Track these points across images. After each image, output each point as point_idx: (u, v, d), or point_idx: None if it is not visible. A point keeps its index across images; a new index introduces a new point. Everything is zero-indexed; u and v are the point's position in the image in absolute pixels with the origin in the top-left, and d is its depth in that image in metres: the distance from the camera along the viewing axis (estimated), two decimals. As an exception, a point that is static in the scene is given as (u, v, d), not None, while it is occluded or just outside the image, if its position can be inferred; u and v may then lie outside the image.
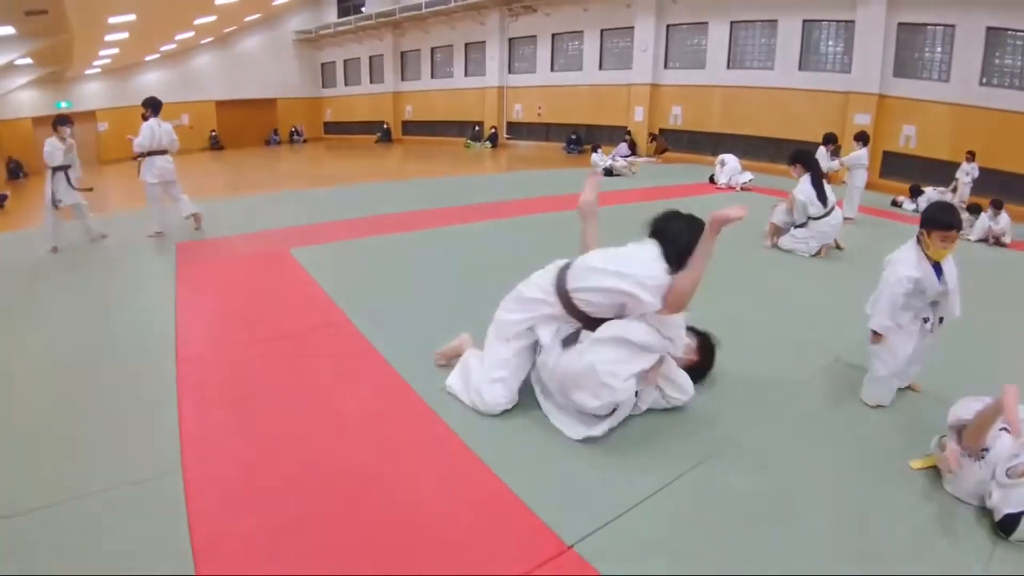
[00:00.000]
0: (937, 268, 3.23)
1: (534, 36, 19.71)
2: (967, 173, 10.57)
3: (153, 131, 8.18)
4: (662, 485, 2.70)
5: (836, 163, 8.71)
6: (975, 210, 8.60)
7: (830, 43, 13.31)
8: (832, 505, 2.60)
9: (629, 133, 17.36)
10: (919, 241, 3.25)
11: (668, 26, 16.19)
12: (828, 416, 3.36)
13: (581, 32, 18.36)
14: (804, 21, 13.34)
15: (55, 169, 7.77)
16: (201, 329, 4.67)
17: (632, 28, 16.72)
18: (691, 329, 3.50)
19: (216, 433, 3.14)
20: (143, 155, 8.13)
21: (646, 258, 3.01)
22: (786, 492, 2.67)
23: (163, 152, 8.29)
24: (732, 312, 4.65)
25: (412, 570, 2.24)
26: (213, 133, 26.01)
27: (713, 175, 11.99)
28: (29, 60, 16.12)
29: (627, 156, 16.66)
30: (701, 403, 3.37)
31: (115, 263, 6.95)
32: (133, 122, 23.19)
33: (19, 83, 18.88)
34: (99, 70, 22.62)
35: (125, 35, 15.70)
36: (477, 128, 21.78)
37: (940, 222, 3.15)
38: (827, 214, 6.63)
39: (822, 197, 6.60)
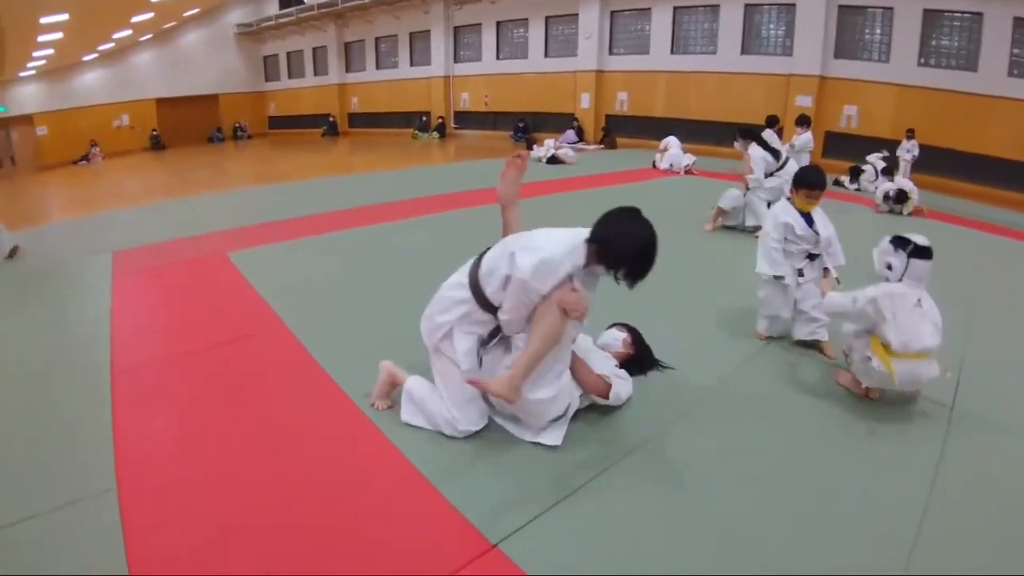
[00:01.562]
0: (808, 219, 3.96)
1: (479, 24, 19.58)
2: (908, 151, 10.90)
3: None
4: (589, 479, 2.70)
5: (790, 144, 8.86)
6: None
7: (771, 27, 13.51)
8: (761, 491, 2.64)
9: (576, 120, 17.39)
10: (790, 199, 4.04)
11: (612, 12, 16.23)
12: (767, 403, 3.42)
13: (526, 20, 18.30)
14: (746, 5, 13.52)
15: None
16: (137, 340, 4.54)
17: (576, 15, 16.70)
18: (623, 325, 3.57)
19: (152, 446, 3.07)
20: None
21: (559, 237, 2.76)
22: (714, 484, 2.69)
23: None
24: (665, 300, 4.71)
25: (335, 570, 2.24)
26: (154, 133, 25.24)
27: (654, 161, 12.13)
28: (-44, 63, 15.38)
29: (574, 143, 16.73)
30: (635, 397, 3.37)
31: (49, 275, 6.76)
32: (74, 125, 22.48)
33: None
34: (34, 72, 21.61)
35: (59, 35, 15.04)
36: (424, 119, 21.57)
37: (806, 182, 3.93)
38: (782, 167, 6.98)
39: (774, 154, 6.99)
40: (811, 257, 4.01)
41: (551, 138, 16.36)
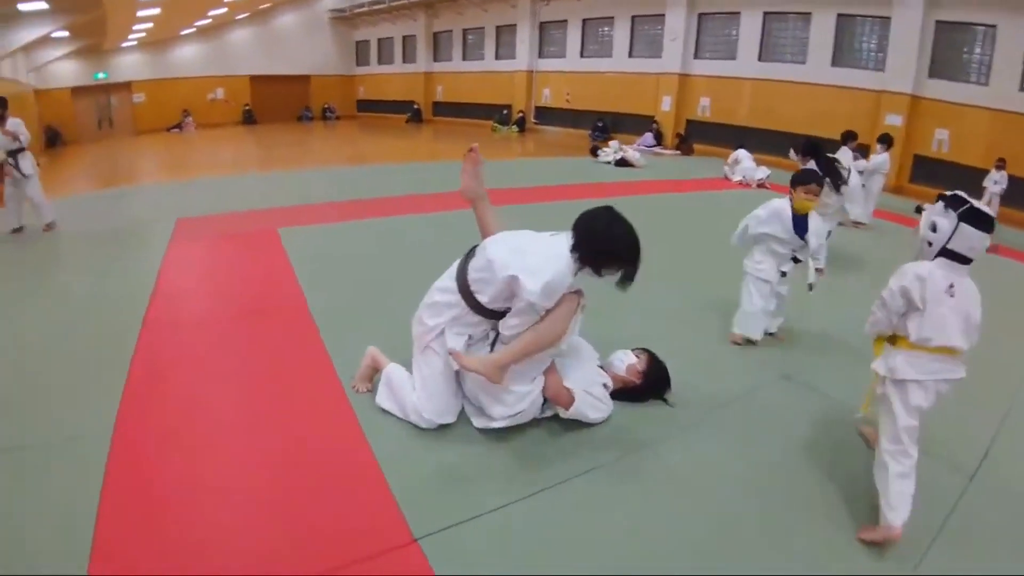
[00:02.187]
0: (801, 222, 4.01)
1: (565, 21, 19.42)
2: (995, 182, 10.09)
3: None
4: (537, 490, 2.62)
5: (862, 164, 8.35)
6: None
7: (864, 39, 12.81)
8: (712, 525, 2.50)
9: (656, 123, 17.04)
10: (790, 198, 4.05)
11: (700, 14, 15.76)
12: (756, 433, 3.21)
13: (612, 18, 18.02)
14: (839, 15, 12.85)
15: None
16: (171, 302, 4.86)
17: (663, 15, 16.33)
18: (646, 351, 3.42)
19: (154, 401, 3.31)
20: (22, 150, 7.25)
21: (552, 252, 2.74)
22: (665, 518, 2.54)
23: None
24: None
25: (252, 543, 2.31)
26: (247, 108, 26.28)
27: (725, 172, 11.74)
28: (66, 33, 16.43)
29: (652, 146, 16.42)
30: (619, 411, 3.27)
31: (118, 233, 7.17)
32: (169, 94, 23.76)
33: (58, 54, 19.29)
34: (136, 43, 22.92)
35: (157, 11, 15.86)
36: (505, 112, 21.61)
37: (802, 179, 4.02)
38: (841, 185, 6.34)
39: (833, 176, 6.36)
40: (795, 260, 4.15)
41: (629, 140, 16.16)
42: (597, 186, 10.76)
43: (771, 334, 4.31)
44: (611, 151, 13.52)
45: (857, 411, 2.90)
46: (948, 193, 2.60)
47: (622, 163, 13.00)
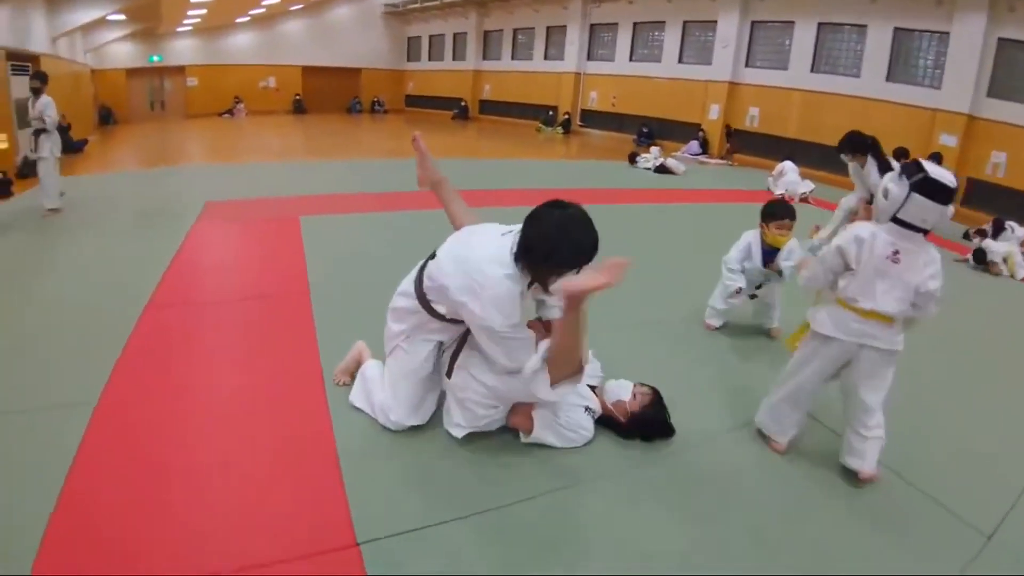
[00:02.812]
0: (770, 254, 4.10)
1: (615, 24, 19.17)
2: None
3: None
4: (495, 506, 2.48)
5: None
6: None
7: (921, 55, 12.28)
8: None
9: (702, 130, 16.69)
10: (761, 231, 4.12)
11: (753, 22, 15.36)
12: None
13: (663, 23, 17.70)
14: (896, 29, 12.34)
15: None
16: (182, 281, 4.98)
17: (715, 22, 15.97)
18: (651, 392, 3.06)
19: (142, 376, 3.38)
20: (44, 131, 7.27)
21: (490, 256, 2.50)
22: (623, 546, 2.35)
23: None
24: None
25: (194, 531, 2.26)
26: (298, 97, 26.68)
27: (768, 184, 11.38)
28: (122, 16, 16.87)
29: (697, 155, 16.09)
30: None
31: (146, 212, 7.27)
32: (222, 80, 24.51)
33: (114, 36, 19.87)
34: (190, 28, 23.48)
35: (211, -3, 16.17)
36: (551, 113, 21.47)
37: (772, 213, 4.07)
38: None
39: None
40: (753, 296, 4.38)
41: (675, 148, 15.87)
42: (634, 192, 10.57)
43: (768, 329, 4.45)
44: (651, 157, 13.29)
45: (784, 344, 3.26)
46: (910, 161, 2.64)
47: (662, 170, 12.74)
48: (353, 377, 3.23)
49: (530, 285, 2.55)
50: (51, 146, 7.22)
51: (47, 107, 7.16)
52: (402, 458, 2.75)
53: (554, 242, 2.36)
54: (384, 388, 2.92)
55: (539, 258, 2.40)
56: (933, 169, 2.49)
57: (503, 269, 2.46)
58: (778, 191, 11.11)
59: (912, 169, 2.50)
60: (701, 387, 3.60)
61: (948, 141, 11.46)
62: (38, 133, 7.22)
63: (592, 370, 3.16)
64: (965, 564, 2.37)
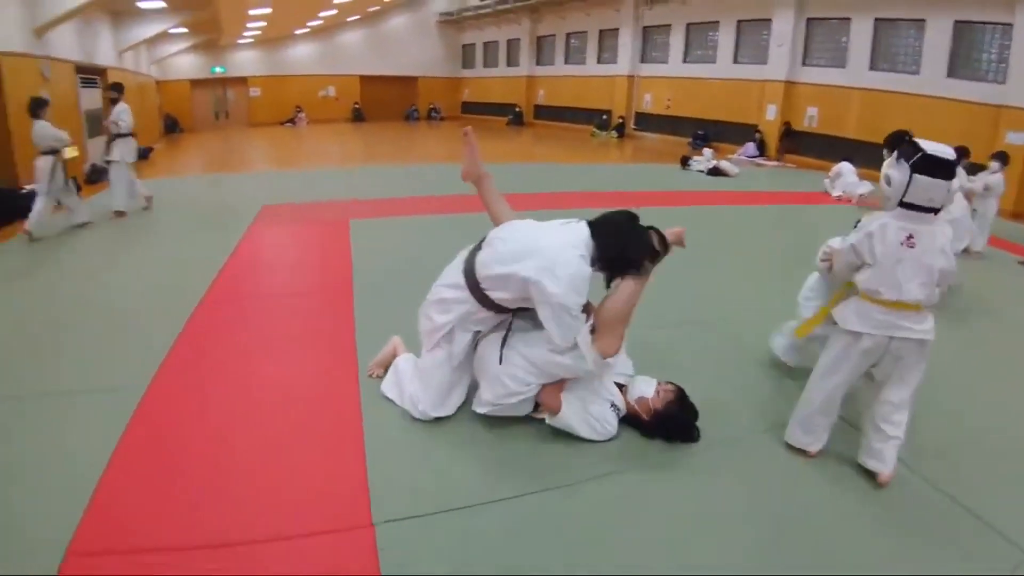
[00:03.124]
0: None
1: (668, 25, 19.01)
2: None
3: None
4: (512, 496, 2.57)
5: (979, 184, 7.58)
6: None
7: (983, 48, 11.77)
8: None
9: (759, 132, 16.39)
10: None
11: (808, 20, 15.01)
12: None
13: (717, 23, 17.47)
14: (956, 22, 11.87)
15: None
16: (236, 278, 5.35)
17: (770, 20, 15.67)
18: (675, 389, 3.04)
19: (192, 363, 3.69)
20: (120, 135, 7.74)
21: (564, 241, 2.68)
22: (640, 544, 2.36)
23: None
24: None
25: (226, 502, 2.47)
26: (356, 106, 27.44)
27: (825, 186, 11.11)
28: (185, 29, 17.71)
29: (754, 156, 15.83)
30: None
31: (207, 215, 7.71)
32: (283, 90, 25.50)
33: (177, 49, 20.91)
34: (251, 40, 24.50)
35: (268, 10, 16.79)
36: (604, 117, 21.42)
37: None
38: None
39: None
40: None
41: (731, 150, 15.64)
42: (689, 195, 10.49)
43: None
44: (703, 160, 13.15)
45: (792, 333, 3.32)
46: (905, 140, 2.55)
47: (715, 172, 12.60)
48: (386, 370, 3.38)
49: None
50: (122, 151, 7.69)
51: (122, 113, 7.70)
52: (424, 447, 2.89)
53: (626, 239, 2.71)
54: (415, 380, 3.06)
55: (616, 263, 2.72)
56: (929, 146, 2.45)
57: (578, 251, 2.65)
58: (835, 193, 10.85)
59: (909, 151, 2.45)
60: (732, 389, 3.58)
61: (1015, 139, 10.95)
62: (113, 138, 7.72)
63: (622, 367, 3.21)
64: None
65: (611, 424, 2.96)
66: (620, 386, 3.11)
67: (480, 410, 2.98)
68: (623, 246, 2.70)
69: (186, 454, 2.79)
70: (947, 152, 2.45)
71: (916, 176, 2.42)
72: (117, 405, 3.11)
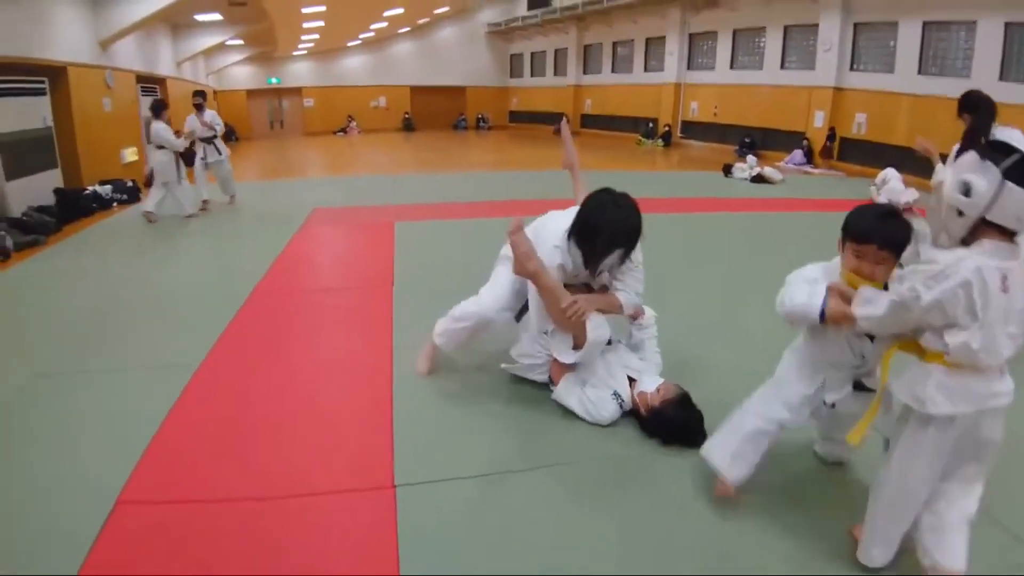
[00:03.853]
0: None
1: (715, 32, 18.95)
2: None
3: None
4: (531, 467, 2.75)
5: None
6: None
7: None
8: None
9: (807, 139, 16.20)
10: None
11: (855, 24, 14.81)
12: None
13: (763, 28, 17.35)
14: (1007, 24, 11.58)
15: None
16: (284, 274, 5.74)
17: (816, 25, 15.51)
18: (678, 391, 2.99)
19: (242, 344, 4.09)
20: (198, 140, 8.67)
21: (555, 229, 3.01)
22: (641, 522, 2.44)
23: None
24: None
25: (264, 461, 2.75)
26: (407, 115, 28.14)
27: (871, 193, 10.96)
28: (240, 41, 18.49)
29: (802, 164, 15.66)
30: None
31: (262, 216, 8.20)
32: (336, 100, 26.31)
33: (234, 60, 21.87)
34: (305, 52, 25.49)
35: (321, 23, 17.42)
36: (651, 125, 21.42)
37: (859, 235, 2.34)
38: None
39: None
40: None
41: (779, 157, 15.50)
42: (729, 201, 10.49)
43: None
44: (746, 167, 13.11)
45: (841, 445, 2.55)
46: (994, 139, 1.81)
47: (758, 179, 12.55)
48: (432, 362, 3.59)
49: (586, 263, 2.94)
50: (221, 148, 8.81)
51: (215, 117, 8.71)
52: (447, 420, 3.13)
53: (596, 221, 2.77)
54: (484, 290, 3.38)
55: (584, 236, 2.84)
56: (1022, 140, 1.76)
57: (553, 241, 2.95)
58: (880, 199, 10.70)
59: (999, 150, 1.74)
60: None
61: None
62: (211, 140, 8.62)
63: (632, 363, 3.25)
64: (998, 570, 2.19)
65: (606, 410, 3.02)
66: (633, 381, 3.17)
67: (503, 365, 3.33)
68: (584, 224, 2.88)
69: (232, 420, 3.12)
70: None
71: (1009, 185, 1.71)
72: (173, 378, 3.48)
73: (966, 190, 1.77)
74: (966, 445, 1.95)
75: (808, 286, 2.18)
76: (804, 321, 2.21)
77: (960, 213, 1.80)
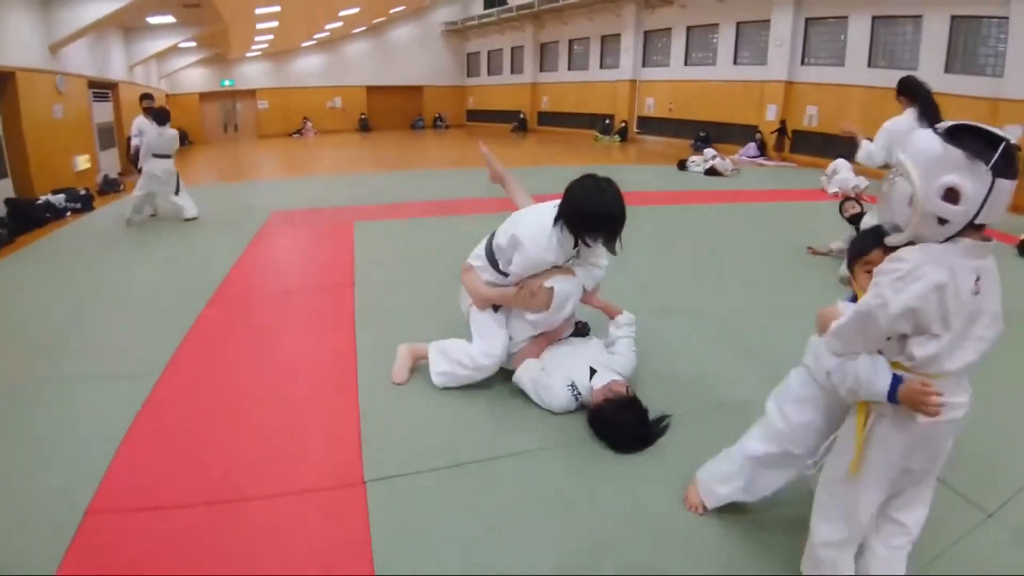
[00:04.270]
0: None
1: (669, 29, 19.22)
2: None
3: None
4: (499, 455, 2.78)
5: None
6: None
7: (980, 42, 11.87)
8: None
9: (759, 132, 16.54)
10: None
11: (807, 19, 15.17)
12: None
13: (717, 25, 17.66)
14: (952, 17, 12.00)
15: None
16: (244, 277, 5.62)
17: (768, 21, 15.85)
18: (625, 392, 2.97)
19: (202, 349, 3.98)
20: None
21: (542, 210, 3.06)
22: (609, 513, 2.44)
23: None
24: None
25: (232, 464, 2.72)
26: (363, 116, 27.86)
27: (822, 183, 11.25)
28: (193, 43, 18.12)
29: (755, 157, 15.98)
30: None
31: (224, 221, 8.03)
32: (291, 102, 25.98)
33: (187, 62, 21.40)
34: (259, 53, 25.02)
35: (275, 24, 17.16)
36: (607, 121, 21.63)
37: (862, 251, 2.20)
38: None
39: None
40: None
41: (732, 151, 15.77)
42: (677, 194, 10.66)
43: None
44: (700, 161, 13.33)
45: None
46: (949, 124, 1.58)
47: (712, 172, 12.77)
48: (412, 372, 3.49)
49: (575, 246, 3.04)
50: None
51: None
52: (413, 415, 3.13)
53: (583, 207, 2.86)
54: (474, 341, 3.30)
55: (574, 220, 2.89)
56: (998, 131, 1.56)
57: (542, 244, 2.99)
58: (831, 189, 10.98)
59: (978, 138, 1.54)
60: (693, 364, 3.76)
61: (1014, 131, 11.05)
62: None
63: (599, 357, 3.25)
64: (961, 536, 2.29)
65: (556, 399, 3.05)
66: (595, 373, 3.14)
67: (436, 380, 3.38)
68: (577, 208, 2.94)
69: (198, 424, 3.05)
70: (1013, 135, 1.57)
71: (1000, 183, 1.52)
72: (136, 385, 3.39)
73: (953, 196, 1.54)
74: (927, 460, 1.81)
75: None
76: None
77: (942, 221, 1.57)
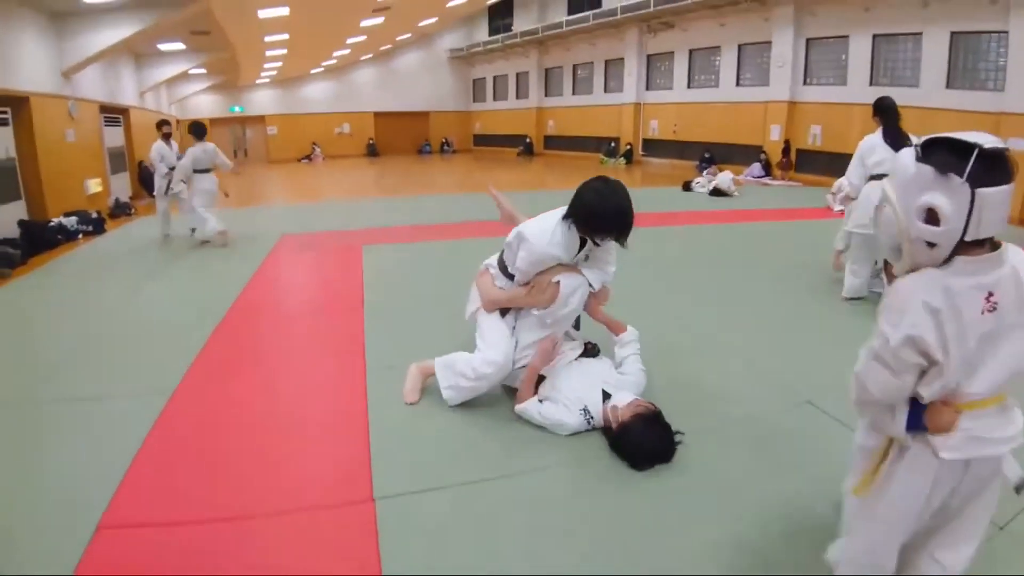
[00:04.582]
0: None
1: (671, 52, 19.43)
2: None
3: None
4: (507, 475, 2.78)
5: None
6: None
7: (980, 57, 11.93)
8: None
9: (764, 152, 16.62)
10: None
11: (807, 40, 15.32)
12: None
13: (719, 47, 17.85)
14: (952, 33, 12.09)
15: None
16: (255, 298, 5.71)
17: (770, 42, 16.00)
18: (649, 411, 2.94)
19: (216, 369, 4.04)
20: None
21: (538, 222, 3.16)
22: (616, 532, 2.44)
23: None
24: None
25: (243, 482, 2.74)
26: (371, 141, 28.19)
27: (828, 202, 11.27)
28: (203, 70, 18.42)
29: (760, 176, 16.04)
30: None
31: (234, 244, 8.11)
32: (300, 128, 26.34)
33: (197, 89, 21.73)
34: (268, 80, 25.41)
35: (284, 51, 17.44)
36: (612, 144, 21.78)
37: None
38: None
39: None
40: None
41: (738, 171, 15.83)
42: (691, 214, 10.69)
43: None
44: (704, 181, 13.40)
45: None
46: (924, 139, 1.52)
47: (716, 192, 12.82)
48: (423, 392, 3.49)
49: (582, 246, 3.12)
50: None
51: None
52: (423, 433, 3.14)
53: (595, 207, 2.94)
54: (479, 349, 3.31)
55: (586, 219, 2.98)
56: (974, 138, 1.44)
57: (547, 239, 3.08)
58: (837, 207, 10.99)
59: (953, 153, 1.44)
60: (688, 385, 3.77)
61: (1018, 145, 11.03)
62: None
63: (611, 377, 3.25)
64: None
65: (566, 428, 3.04)
66: (608, 396, 3.10)
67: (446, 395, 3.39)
68: (587, 209, 3.02)
69: (210, 442, 3.09)
70: (992, 140, 1.43)
71: (981, 193, 1.41)
72: (149, 404, 3.44)
73: (933, 218, 1.45)
74: (966, 501, 1.68)
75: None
76: None
77: (931, 244, 1.48)
